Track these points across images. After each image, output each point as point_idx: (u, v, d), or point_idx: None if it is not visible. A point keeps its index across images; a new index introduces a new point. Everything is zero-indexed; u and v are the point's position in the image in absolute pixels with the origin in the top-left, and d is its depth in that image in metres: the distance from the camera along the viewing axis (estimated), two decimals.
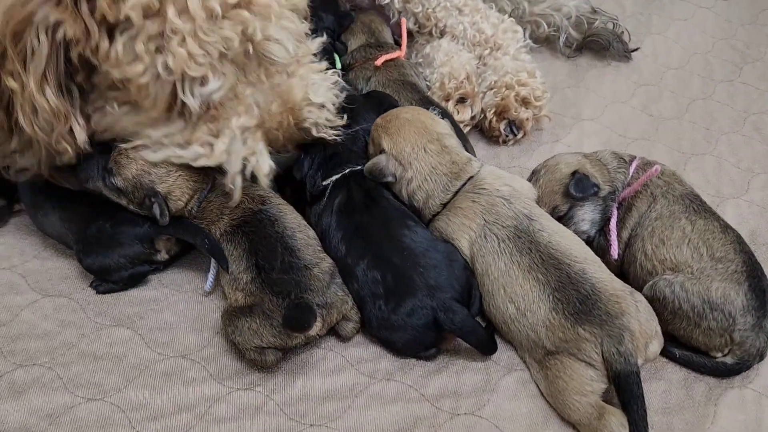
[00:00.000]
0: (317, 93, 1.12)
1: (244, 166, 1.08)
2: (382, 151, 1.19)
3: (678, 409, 1.05)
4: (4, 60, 0.97)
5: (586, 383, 0.99)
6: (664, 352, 1.09)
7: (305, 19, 1.17)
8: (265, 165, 1.09)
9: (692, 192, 1.21)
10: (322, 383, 1.07)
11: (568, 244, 1.09)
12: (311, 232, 1.15)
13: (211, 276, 1.17)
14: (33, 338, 1.11)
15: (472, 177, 1.17)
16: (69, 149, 1.03)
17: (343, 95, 1.18)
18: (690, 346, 1.10)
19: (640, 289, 1.12)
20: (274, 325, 1.03)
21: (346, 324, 1.11)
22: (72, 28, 0.93)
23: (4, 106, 1.01)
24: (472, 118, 1.53)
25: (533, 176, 1.26)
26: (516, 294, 1.06)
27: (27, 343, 1.10)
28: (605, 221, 1.21)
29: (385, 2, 1.63)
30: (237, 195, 1.09)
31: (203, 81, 0.99)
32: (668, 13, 2.03)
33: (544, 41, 1.84)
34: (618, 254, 1.18)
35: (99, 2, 0.92)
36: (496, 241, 1.10)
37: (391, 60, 1.53)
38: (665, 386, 1.08)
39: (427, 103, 1.43)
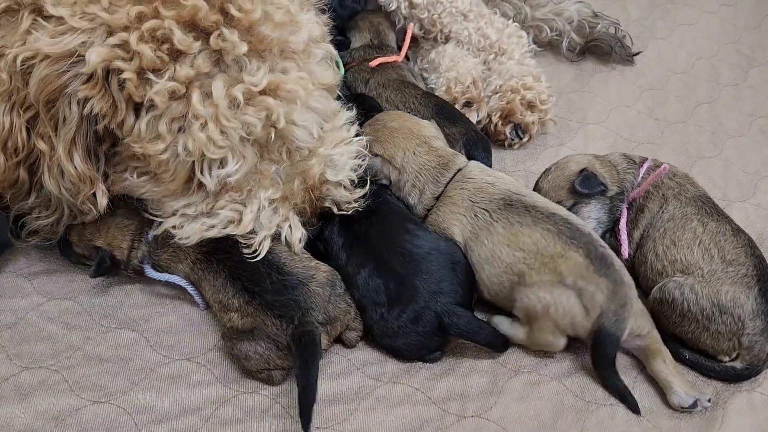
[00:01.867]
0: (336, 171, 1.13)
1: (279, 233, 1.10)
2: (375, 155, 1.22)
3: (686, 413, 1.04)
4: (35, 122, 1.01)
5: (567, 318, 1.03)
6: (674, 354, 1.08)
7: (338, 97, 1.21)
8: (297, 233, 1.11)
9: (705, 194, 1.20)
10: (328, 386, 1.06)
11: (566, 213, 1.13)
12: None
13: (197, 298, 1.15)
14: (38, 341, 1.11)
15: (461, 170, 1.21)
16: (93, 209, 1.08)
17: (365, 163, 1.18)
18: (698, 350, 1.09)
19: (649, 290, 1.12)
20: (280, 348, 1.02)
21: (350, 333, 1.10)
22: (100, 104, 0.97)
23: (29, 165, 1.05)
24: (478, 122, 1.54)
25: (544, 173, 1.26)
26: (524, 243, 1.07)
27: (32, 345, 1.10)
28: (614, 222, 1.21)
29: (393, 8, 1.64)
30: (261, 255, 1.08)
31: (222, 163, 1.02)
32: (673, 18, 2.03)
33: (547, 45, 1.84)
34: (629, 254, 1.17)
35: (127, 83, 0.95)
36: (487, 214, 1.13)
37: (388, 63, 1.54)
38: None
39: (429, 96, 1.45)
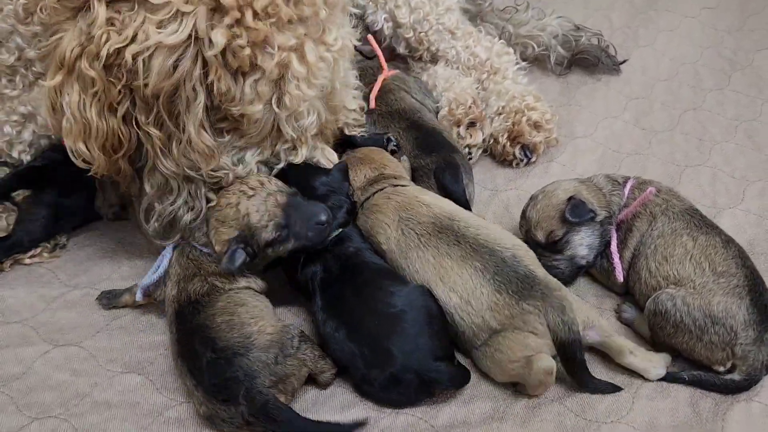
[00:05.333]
0: (350, 101, 1.31)
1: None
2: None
3: (686, 426, 1.06)
4: (146, 114, 1.05)
5: (520, 350, 1.05)
6: (673, 378, 1.10)
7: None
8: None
9: (691, 207, 1.23)
10: (333, 418, 1.07)
11: (496, 235, 1.15)
12: (244, 309, 1.09)
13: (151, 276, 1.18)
14: (46, 390, 1.13)
15: (396, 186, 1.26)
16: (220, 176, 1.16)
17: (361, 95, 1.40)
18: (692, 361, 1.11)
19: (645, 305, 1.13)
20: (242, 428, 1.02)
21: (320, 376, 1.09)
22: (225, 82, 1.05)
23: (129, 156, 1.12)
24: (483, 141, 1.56)
25: (531, 202, 1.28)
26: (456, 284, 1.11)
27: (41, 395, 1.12)
28: (604, 245, 1.23)
29: (377, 28, 1.66)
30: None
31: (302, 116, 1.15)
32: (655, 25, 2.06)
33: (533, 61, 1.86)
34: (623, 276, 1.19)
35: (241, 57, 1.03)
36: (415, 236, 1.16)
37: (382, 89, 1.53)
38: (672, 404, 1.09)
39: (412, 130, 1.45)
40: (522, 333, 1.05)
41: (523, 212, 1.28)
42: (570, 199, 1.22)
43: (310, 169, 1.25)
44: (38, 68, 1.28)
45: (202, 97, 1.05)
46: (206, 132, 1.08)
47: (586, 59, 1.85)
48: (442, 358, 1.07)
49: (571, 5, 2.09)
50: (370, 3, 1.66)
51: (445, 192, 1.33)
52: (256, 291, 1.16)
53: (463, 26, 1.71)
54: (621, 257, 1.20)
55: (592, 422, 1.06)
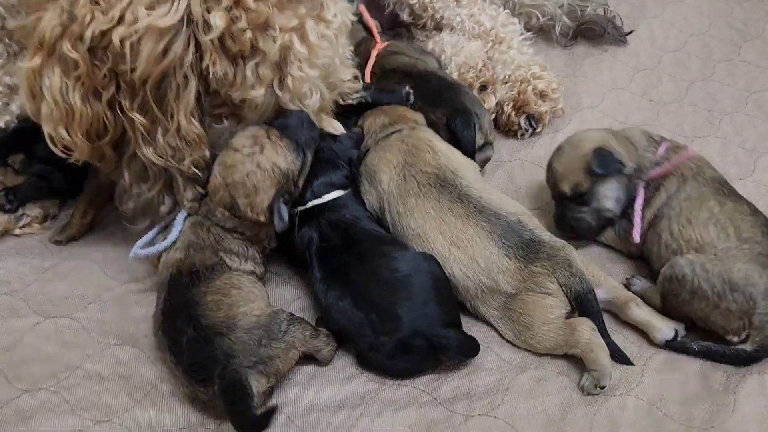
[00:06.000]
0: (345, 72, 1.25)
1: None
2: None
3: (696, 399, 1.03)
4: (131, 99, 1.00)
5: (549, 311, 1.05)
6: (682, 348, 1.07)
7: None
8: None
9: (722, 177, 1.19)
10: (332, 393, 1.05)
11: (499, 199, 1.14)
12: (238, 291, 1.04)
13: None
14: (37, 362, 1.09)
15: (413, 129, 1.24)
16: (198, 172, 1.10)
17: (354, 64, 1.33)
18: (706, 331, 1.07)
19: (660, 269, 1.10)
20: (219, 407, 0.97)
21: (317, 354, 1.05)
22: (222, 66, 1.00)
23: (114, 142, 1.06)
24: (497, 104, 1.51)
25: (556, 153, 1.23)
26: (459, 239, 1.10)
27: (31, 367, 1.09)
28: (630, 200, 1.19)
29: None
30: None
31: (305, 96, 1.11)
32: None
33: (538, 31, 1.82)
34: (639, 237, 1.15)
35: (241, 40, 0.99)
36: (416, 184, 1.15)
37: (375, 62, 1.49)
38: (681, 377, 1.06)
39: (408, 78, 1.40)
40: (537, 295, 1.05)
41: (549, 164, 1.24)
42: (597, 149, 1.17)
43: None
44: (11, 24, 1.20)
45: (193, 84, 0.99)
46: (195, 120, 1.03)
47: (592, 30, 1.80)
48: (450, 325, 1.04)
49: None
50: None
51: (455, 137, 1.30)
52: (257, 276, 1.12)
53: None
54: (642, 217, 1.16)
55: (599, 396, 1.03)
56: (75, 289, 1.21)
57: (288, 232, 1.13)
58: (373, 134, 1.26)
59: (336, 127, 1.23)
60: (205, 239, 1.10)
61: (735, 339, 1.06)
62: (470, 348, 1.05)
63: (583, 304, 1.05)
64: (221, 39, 0.98)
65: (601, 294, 1.09)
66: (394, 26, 1.68)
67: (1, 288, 1.21)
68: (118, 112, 1.01)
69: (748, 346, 1.05)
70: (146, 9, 0.93)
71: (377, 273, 1.05)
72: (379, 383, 1.06)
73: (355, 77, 1.27)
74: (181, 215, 1.12)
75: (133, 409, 1.03)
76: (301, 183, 1.14)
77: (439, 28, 1.65)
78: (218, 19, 0.96)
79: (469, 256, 1.09)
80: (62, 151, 1.05)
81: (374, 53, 1.47)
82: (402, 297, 1.03)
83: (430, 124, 1.32)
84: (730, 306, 1.03)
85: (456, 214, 1.12)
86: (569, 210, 1.20)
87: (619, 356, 1.06)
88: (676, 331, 1.08)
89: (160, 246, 1.11)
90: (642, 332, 1.11)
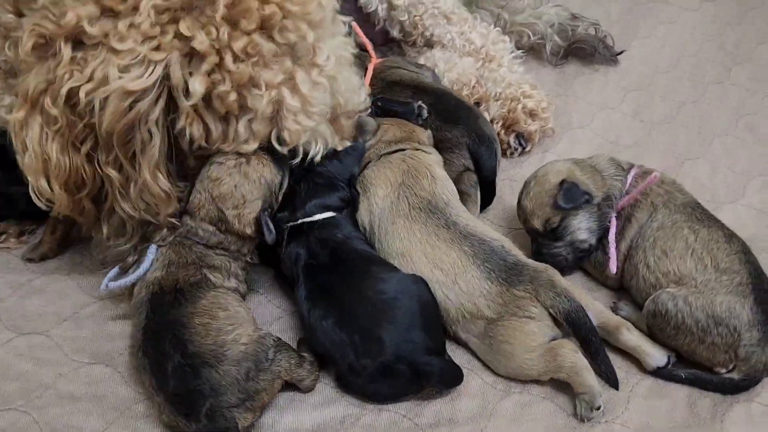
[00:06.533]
0: (358, 96, 1.23)
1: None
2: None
3: (684, 427, 1.01)
4: (95, 154, 1.00)
5: (531, 338, 1.02)
6: (669, 377, 1.05)
7: None
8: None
9: (694, 200, 1.17)
10: (311, 417, 1.02)
11: (484, 228, 1.14)
12: (225, 313, 1.00)
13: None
14: (8, 380, 1.06)
15: (417, 150, 1.23)
16: (174, 222, 1.09)
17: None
18: (693, 362, 1.06)
19: (643, 302, 1.08)
20: None
21: (301, 383, 1.03)
22: (197, 128, 1.00)
23: (93, 196, 1.05)
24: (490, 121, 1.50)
25: (524, 189, 1.21)
26: (442, 261, 1.08)
27: (2, 385, 1.05)
28: (604, 230, 1.17)
29: (371, 9, 1.60)
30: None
31: (309, 147, 1.11)
32: (654, 17, 2.01)
33: (529, 50, 1.81)
34: (617, 267, 1.13)
35: (226, 101, 0.98)
36: (407, 205, 1.15)
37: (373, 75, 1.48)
38: (669, 405, 1.03)
39: (420, 93, 1.39)
40: (519, 319, 1.02)
41: (518, 201, 1.22)
42: (562, 182, 1.16)
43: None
44: None
45: (158, 140, 0.99)
46: (162, 175, 1.02)
47: (583, 49, 1.79)
48: (435, 352, 1.01)
49: None
50: None
51: (477, 165, 1.30)
52: (240, 295, 1.09)
53: (459, 11, 1.66)
54: (617, 248, 1.14)
55: (587, 421, 1.01)
56: (50, 305, 1.18)
57: (277, 246, 1.12)
58: (379, 147, 1.25)
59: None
60: (188, 257, 1.07)
61: (723, 371, 1.04)
62: (453, 377, 1.03)
63: (574, 322, 1.02)
64: (207, 101, 0.98)
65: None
66: (385, 42, 1.67)
67: None
68: (96, 166, 1.01)
69: (735, 375, 1.03)
70: (119, 71, 0.94)
71: (363, 294, 1.03)
72: (359, 408, 1.03)
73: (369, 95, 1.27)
74: (152, 247, 1.09)
75: (105, 431, 1.00)
76: (280, 197, 1.12)
77: (429, 45, 1.64)
78: (197, 84, 0.96)
79: (451, 279, 1.07)
80: (45, 204, 1.04)
81: (370, 68, 1.46)
82: (386, 320, 1.00)
83: (444, 141, 1.31)
84: (715, 340, 1.02)
85: (441, 238, 1.11)
86: (544, 246, 1.18)
87: (611, 378, 1.04)
88: (668, 357, 1.06)
89: (132, 276, 1.07)
90: (629, 357, 1.09)
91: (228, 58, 0.96)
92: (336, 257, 1.09)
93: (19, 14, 1.04)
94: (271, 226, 1.09)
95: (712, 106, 1.68)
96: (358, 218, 1.19)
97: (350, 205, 1.18)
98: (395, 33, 1.63)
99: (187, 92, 0.97)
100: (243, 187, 1.07)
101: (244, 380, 0.94)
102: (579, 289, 1.11)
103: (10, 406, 1.03)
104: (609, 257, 1.14)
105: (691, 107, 1.67)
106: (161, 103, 0.97)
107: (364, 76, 1.45)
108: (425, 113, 1.33)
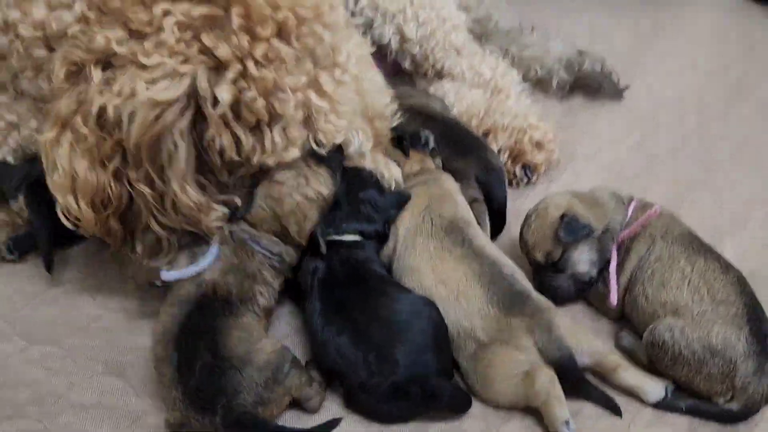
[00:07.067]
0: (383, 97, 1.28)
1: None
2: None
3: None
4: (135, 170, 1.01)
5: (514, 366, 1.03)
6: (670, 407, 1.07)
7: None
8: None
9: (690, 232, 1.19)
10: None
11: (499, 254, 1.16)
12: (253, 327, 1.05)
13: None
14: (20, 388, 1.08)
15: (438, 180, 1.28)
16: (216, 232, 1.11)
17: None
18: (691, 392, 1.07)
19: (643, 333, 1.10)
20: None
21: (308, 403, 1.05)
22: (227, 138, 1.01)
23: (120, 215, 1.05)
24: (498, 151, 1.53)
25: (525, 222, 1.24)
26: (449, 277, 1.11)
27: (14, 393, 1.07)
28: (605, 262, 1.19)
29: (384, 42, 1.64)
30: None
31: (349, 142, 1.15)
32: (659, 50, 2.05)
33: (535, 83, 1.85)
34: (617, 300, 1.16)
35: (255, 110, 1.00)
36: (430, 225, 1.18)
37: None
38: None
39: (431, 122, 1.43)
40: (508, 347, 1.04)
41: (521, 233, 1.24)
42: (563, 216, 1.19)
43: (367, 177, 1.22)
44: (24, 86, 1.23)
45: (183, 151, 1.00)
46: (191, 187, 1.03)
47: (589, 85, 1.83)
48: (445, 374, 1.03)
49: (577, 29, 2.08)
50: (378, 16, 1.64)
51: (488, 196, 1.33)
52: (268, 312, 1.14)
53: (469, 45, 1.71)
54: (617, 281, 1.17)
55: None
56: (63, 316, 1.20)
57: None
58: (405, 178, 1.29)
59: (392, 171, 1.25)
60: (249, 266, 1.11)
61: (720, 400, 1.06)
62: (462, 402, 1.04)
63: (562, 370, 1.03)
64: (235, 111, 1.00)
65: (584, 360, 1.06)
66: (396, 74, 1.71)
67: None
68: (126, 184, 1.03)
69: (734, 405, 1.04)
70: (147, 84, 0.96)
71: (378, 313, 1.05)
72: (365, 427, 1.05)
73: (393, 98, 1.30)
74: (215, 247, 1.11)
75: None
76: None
77: (440, 76, 1.68)
78: (224, 93, 0.98)
79: (453, 295, 1.09)
80: (72, 223, 1.06)
81: None
82: (401, 340, 1.02)
83: (453, 172, 1.34)
84: (712, 371, 1.03)
85: (453, 255, 1.13)
86: (547, 278, 1.20)
87: (611, 406, 1.05)
88: (666, 389, 1.07)
89: (192, 268, 1.09)
90: None
91: (250, 65, 0.99)
92: (354, 275, 1.12)
93: (51, 49, 1.07)
94: (321, 239, 1.14)
95: (715, 139, 1.70)
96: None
97: (379, 241, 1.21)
98: (407, 65, 1.67)
99: (214, 103, 0.99)
100: (304, 206, 1.13)
101: (262, 387, 0.98)
102: (579, 328, 1.10)
103: (22, 414, 1.05)
104: (610, 289, 1.16)
105: (696, 140, 1.70)
106: (188, 114, 0.99)
107: None
108: (432, 143, 1.36)
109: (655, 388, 1.07)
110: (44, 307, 1.22)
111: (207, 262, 1.09)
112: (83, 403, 1.07)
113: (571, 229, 1.17)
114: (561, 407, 1.01)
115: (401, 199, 1.24)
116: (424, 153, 1.35)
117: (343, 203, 1.19)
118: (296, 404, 1.05)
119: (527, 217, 1.24)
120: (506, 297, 1.07)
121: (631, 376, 1.08)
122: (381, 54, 1.65)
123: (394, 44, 1.63)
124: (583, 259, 1.19)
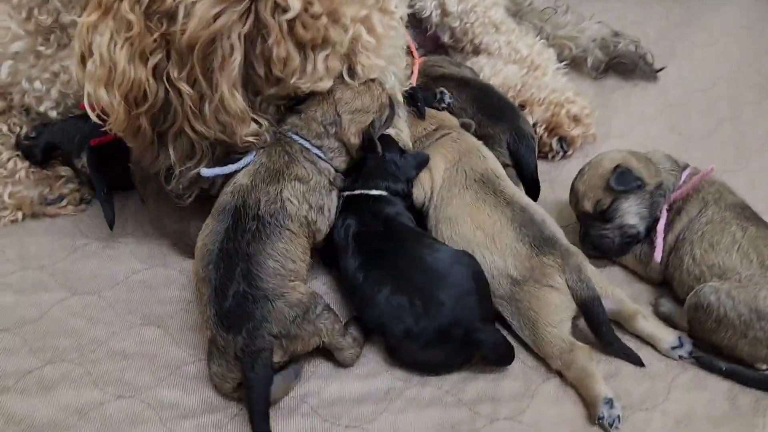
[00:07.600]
0: (403, 60, 1.26)
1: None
2: None
3: (724, 419, 1.02)
4: (179, 68, 0.98)
5: (554, 311, 1.06)
6: (708, 366, 1.07)
7: None
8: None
9: (743, 201, 1.19)
10: (356, 387, 1.04)
11: (529, 201, 1.19)
12: (293, 265, 1.05)
13: None
14: (62, 335, 1.10)
15: (463, 134, 1.30)
16: (254, 144, 1.10)
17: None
18: (734, 358, 1.07)
19: (685, 295, 1.10)
20: (230, 362, 0.97)
21: (340, 353, 1.05)
22: (284, 49, 1.01)
23: (151, 115, 1.02)
24: (534, 125, 1.52)
25: (579, 174, 1.25)
26: (484, 222, 1.15)
27: (56, 340, 1.09)
28: (653, 220, 1.19)
29: (425, 15, 1.65)
30: None
31: (384, 81, 1.17)
32: (690, 40, 2.04)
33: (570, 63, 1.84)
34: (661, 257, 1.16)
35: (313, 28, 1.00)
36: (464, 176, 1.21)
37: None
38: (709, 396, 1.04)
39: (463, 86, 1.44)
40: (543, 288, 1.06)
41: (572, 185, 1.26)
42: (616, 167, 1.19)
43: (388, 139, 1.21)
44: (70, 32, 1.23)
45: (238, 56, 0.98)
46: (238, 94, 1.01)
47: (623, 64, 1.83)
48: (487, 321, 1.04)
49: (607, 16, 2.07)
50: None
51: (518, 163, 1.34)
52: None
53: (507, 22, 1.71)
54: (664, 239, 1.17)
55: (626, 408, 1.02)
56: (103, 269, 1.22)
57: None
58: (419, 140, 1.30)
59: (399, 127, 1.24)
60: (277, 161, 1.11)
61: (764, 367, 1.05)
62: (505, 352, 1.04)
63: (588, 310, 1.06)
64: (291, 25, 0.99)
65: (608, 304, 1.08)
66: (434, 48, 1.72)
67: (30, 263, 1.22)
68: (165, 82, 0.99)
69: None
70: None
71: (418, 260, 1.06)
72: (404, 381, 1.05)
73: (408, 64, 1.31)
74: (252, 154, 1.11)
75: (156, 388, 1.03)
76: (382, 131, 1.19)
77: (477, 52, 1.69)
78: (296, 1, 0.97)
79: (489, 237, 1.13)
80: (99, 117, 1.03)
81: (416, 68, 1.50)
82: (444, 285, 1.03)
83: (484, 137, 1.34)
84: (758, 335, 1.03)
85: (488, 203, 1.17)
86: (593, 228, 1.21)
87: (631, 358, 1.07)
88: (680, 338, 1.08)
89: (230, 167, 1.09)
90: None
91: None
92: (388, 228, 1.12)
93: None
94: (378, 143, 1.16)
95: (749, 124, 1.70)
96: (420, 188, 1.22)
97: (404, 199, 1.21)
98: (446, 39, 1.68)
99: (278, 9, 0.98)
100: (364, 98, 1.15)
101: (290, 321, 0.98)
102: (601, 277, 1.13)
103: (64, 358, 1.06)
104: (656, 246, 1.16)
105: (729, 124, 1.69)
106: (249, 20, 0.97)
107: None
108: (447, 99, 1.37)
109: (669, 335, 1.09)
110: (85, 260, 1.23)
111: (246, 161, 1.10)
112: (124, 351, 1.08)
113: (623, 179, 1.18)
114: (599, 385, 1.01)
115: (420, 160, 1.24)
116: (439, 109, 1.36)
117: (369, 163, 1.19)
118: (331, 356, 1.06)
119: (581, 170, 1.25)
120: (537, 239, 1.11)
121: (649, 324, 1.10)
122: (420, 28, 1.66)
123: (435, 17, 1.64)
124: (632, 211, 1.19)
